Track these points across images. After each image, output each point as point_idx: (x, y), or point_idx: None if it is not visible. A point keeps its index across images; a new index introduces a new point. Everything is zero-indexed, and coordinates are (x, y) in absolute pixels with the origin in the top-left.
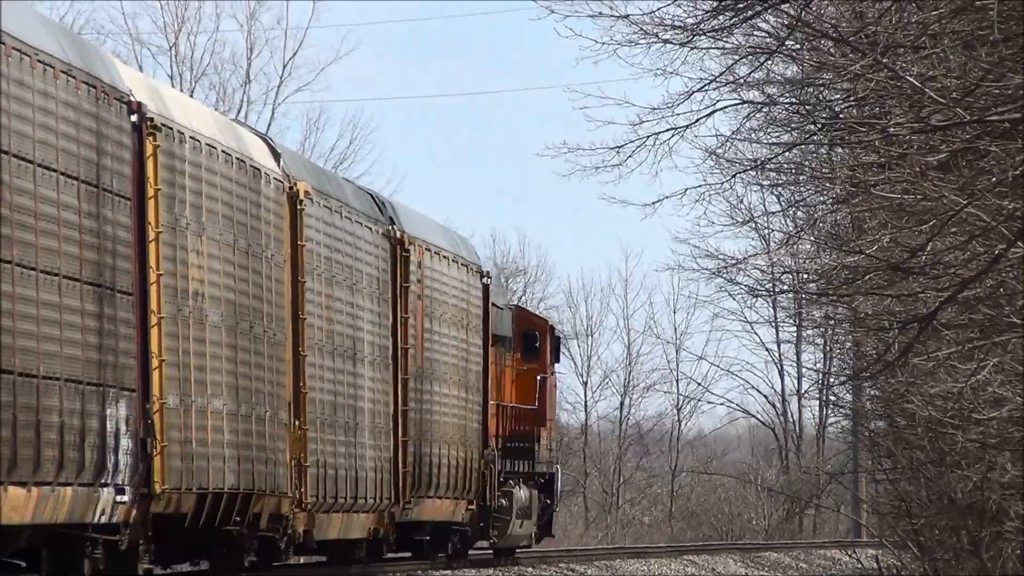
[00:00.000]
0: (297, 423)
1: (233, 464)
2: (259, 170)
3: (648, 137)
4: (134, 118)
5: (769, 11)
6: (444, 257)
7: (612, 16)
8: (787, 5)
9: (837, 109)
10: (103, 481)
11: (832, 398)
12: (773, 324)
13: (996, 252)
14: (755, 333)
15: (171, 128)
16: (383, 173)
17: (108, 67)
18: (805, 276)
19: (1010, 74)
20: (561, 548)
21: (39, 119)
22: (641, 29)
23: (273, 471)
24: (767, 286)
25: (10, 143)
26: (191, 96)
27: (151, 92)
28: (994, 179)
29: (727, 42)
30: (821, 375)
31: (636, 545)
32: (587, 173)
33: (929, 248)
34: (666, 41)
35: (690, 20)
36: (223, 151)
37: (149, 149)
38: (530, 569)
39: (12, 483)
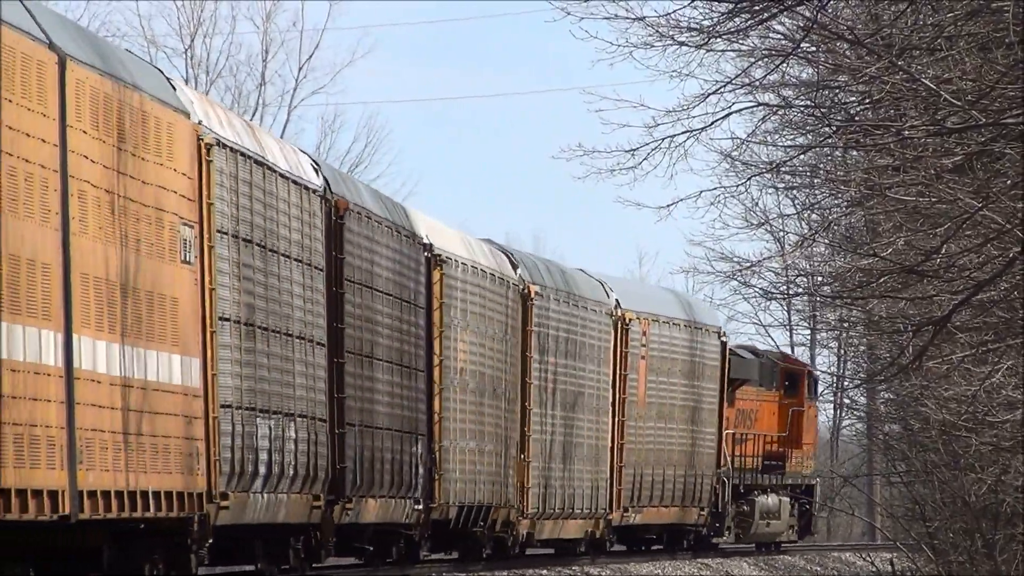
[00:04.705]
0: (522, 456)
1: (480, 485)
2: (503, 279)
3: (663, 139)
4: (426, 253)
5: (784, 13)
6: (675, 324)
7: (628, 18)
8: (803, 7)
9: (852, 112)
10: (408, 495)
11: (846, 401)
12: (787, 327)
13: (1011, 255)
14: (769, 336)
15: (449, 258)
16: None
17: (410, 216)
18: (819, 279)
19: None
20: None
21: (386, 264)
22: (657, 31)
23: (505, 490)
24: (781, 289)
25: (371, 282)
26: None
27: (437, 232)
28: (1009, 182)
29: (743, 44)
30: (835, 378)
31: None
32: (602, 175)
33: (944, 251)
34: (682, 43)
35: (706, 22)
36: (483, 269)
37: (436, 276)
38: (544, 571)
39: (369, 496)
